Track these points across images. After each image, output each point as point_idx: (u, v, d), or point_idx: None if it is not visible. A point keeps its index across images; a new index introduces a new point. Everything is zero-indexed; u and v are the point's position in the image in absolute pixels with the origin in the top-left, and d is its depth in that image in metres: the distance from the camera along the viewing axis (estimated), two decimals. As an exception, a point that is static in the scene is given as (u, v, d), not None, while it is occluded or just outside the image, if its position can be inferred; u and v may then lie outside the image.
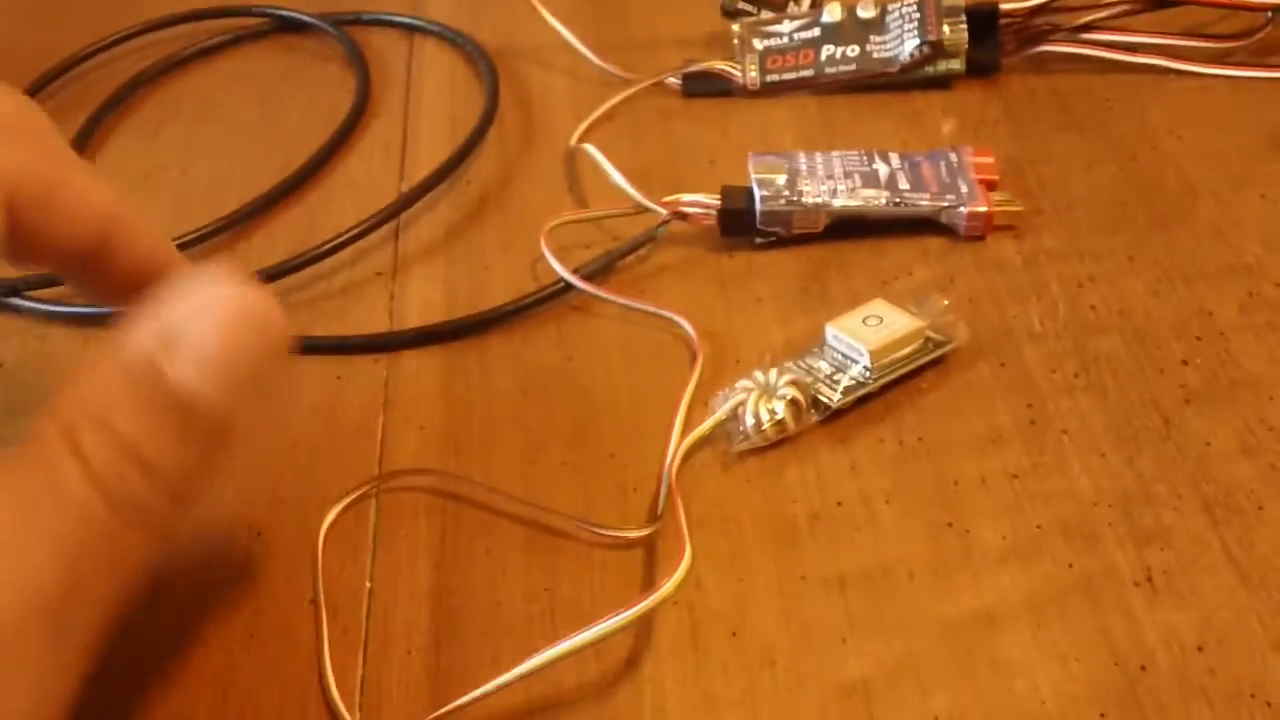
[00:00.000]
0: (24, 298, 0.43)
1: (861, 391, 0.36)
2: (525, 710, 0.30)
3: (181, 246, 0.44)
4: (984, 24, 0.46)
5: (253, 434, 0.27)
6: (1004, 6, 0.46)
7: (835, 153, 0.42)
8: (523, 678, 0.29)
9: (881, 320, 0.36)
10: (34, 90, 0.54)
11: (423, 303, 0.42)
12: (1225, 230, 0.40)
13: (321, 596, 0.33)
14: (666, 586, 0.29)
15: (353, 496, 0.35)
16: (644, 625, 0.31)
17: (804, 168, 0.41)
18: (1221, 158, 0.43)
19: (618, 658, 0.31)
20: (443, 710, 0.29)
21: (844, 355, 0.36)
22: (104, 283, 0.31)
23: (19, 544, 0.25)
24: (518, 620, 0.32)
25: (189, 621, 0.33)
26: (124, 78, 0.54)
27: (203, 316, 0.26)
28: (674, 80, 0.49)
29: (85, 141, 0.51)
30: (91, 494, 0.25)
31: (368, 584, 0.33)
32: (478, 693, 0.29)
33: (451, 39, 0.54)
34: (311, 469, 0.36)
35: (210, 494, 0.27)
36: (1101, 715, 0.29)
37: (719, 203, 0.41)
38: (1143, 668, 0.29)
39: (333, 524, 0.34)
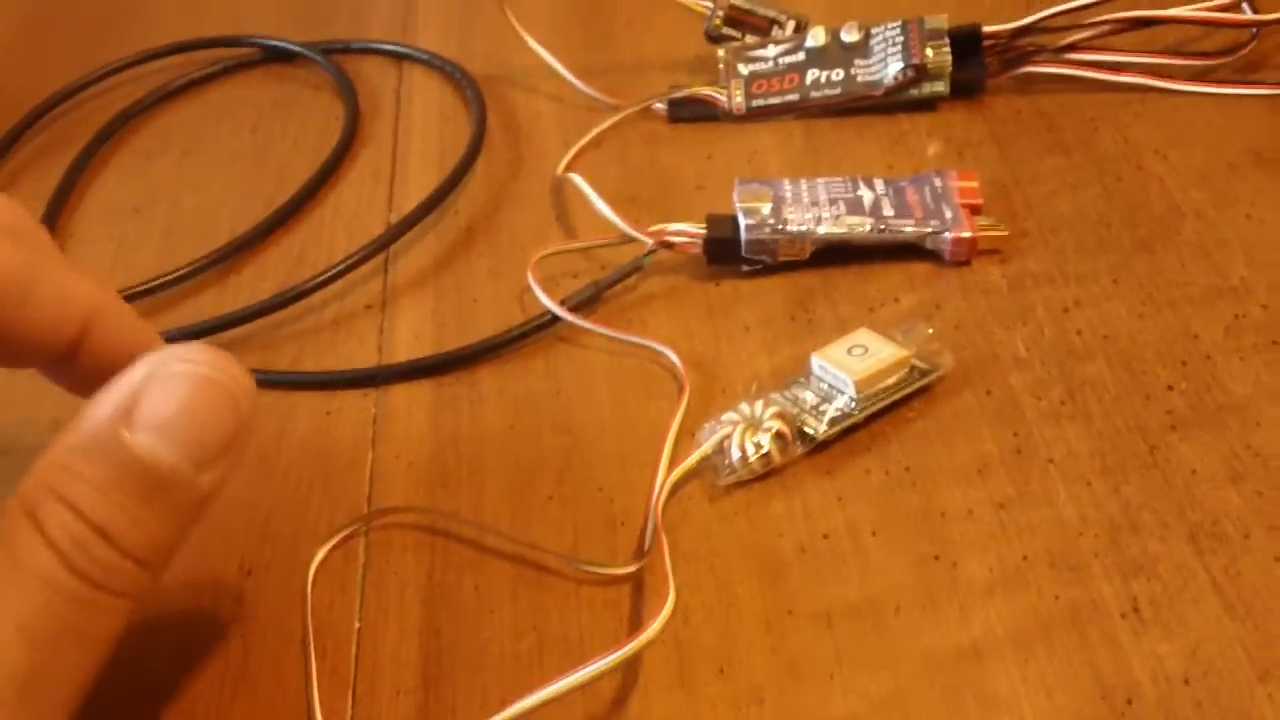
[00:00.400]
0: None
1: (847, 423, 0.36)
2: (513, 752, 0.30)
3: (172, 282, 0.44)
4: (967, 46, 0.46)
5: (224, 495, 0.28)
6: (987, 28, 0.46)
7: (820, 179, 0.42)
8: (510, 720, 0.29)
9: (867, 350, 0.36)
10: (24, 126, 0.54)
11: (411, 335, 0.42)
12: (1210, 250, 0.40)
13: (311, 636, 0.33)
14: (651, 629, 0.30)
15: (342, 535, 0.35)
16: (631, 665, 0.31)
17: (789, 195, 0.42)
18: (1206, 176, 0.43)
19: (605, 699, 0.31)
20: (431, 754, 0.30)
21: (830, 385, 0.36)
22: (81, 374, 0.31)
23: None
24: (506, 659, 0.32)
25: (179, 662, 0.33)
26: (114, 110, 0.54)
27: (162, 382, 0.27)
28: (660, 106, 0.49)
29: (76, 176, 0.51)
30: (53, 566, 0.25)
31: (356, 623, 0.33)
32: (465, 736, 0.29)
33: (440, 67, 0.54)
34: (301, 505, 0.37)
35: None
36: (1088, 749, 0.29)
37: (704, 232, 0.41)
38: (1129, 701, 0.29)
39: (322, 562, 0.35)
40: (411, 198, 0.47)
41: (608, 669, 0.29)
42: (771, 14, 0.49)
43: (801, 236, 0.40)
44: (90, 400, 0.27)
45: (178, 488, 0.27)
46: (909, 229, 0.40)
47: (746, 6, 0.49)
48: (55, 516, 0.25)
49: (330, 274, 0.43)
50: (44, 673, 0.25)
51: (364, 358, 0.41)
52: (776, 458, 0.35)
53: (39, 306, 0.29)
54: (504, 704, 0.29)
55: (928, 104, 0.47)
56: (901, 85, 0.46)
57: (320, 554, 0.35)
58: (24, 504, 0.26)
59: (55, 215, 0.49)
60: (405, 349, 0.41)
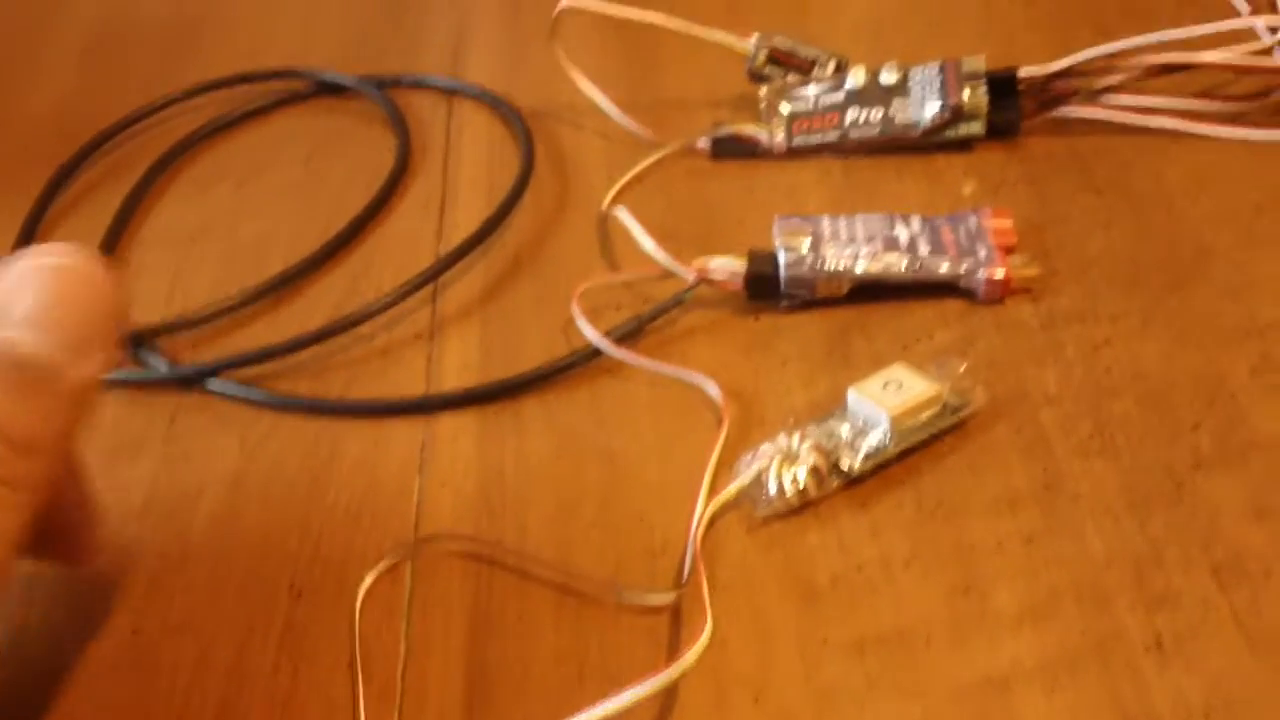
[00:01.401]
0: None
1: (881, 457, 0.37)
2: (554, 772, 0.31)
3: (225, 311, 0.46)
4: (1004, 88, 0.47)
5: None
6: (1023, 71, 0.47)
7: (858, 216, 0.43)
8: (551, 742, 0.30)
9: (901, 385, 0.38)
10: (85, 154, 0.56)
11: (459, 364, 0.43)
12: (1239, 291, 0.41)
13: (359, 659, 0.34)
14: (687, 658, 0.31)
15: (389, 561, 0.37)
16: (669, 691, 0.32)
17: (827, 232, 0.43)
18: (1236, 218, 0.44)
19: (643, 724, 0.32)
20: (475, 773, 0.31)
21: (865, 420, 0.37)
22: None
23: None
24: (548, 683, 0.33)
25: (230, 681, 0.34)
26: (173, 140, 0.56)
27: (20, 278, 0.28)
28: (703, 143, 0.50)
29: (135, 203, 0.53)
30: None
31: (403, 647, 0.35)
32: (509, 756, 0.30)
33: (489, 101, 0.55)
34: (350, 530, 0.38)
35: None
36: (1111, 779, 0.30)
37: (745, 268, 0.42)
38: (1152, 732, 0.30)
39: (370, 588, 0.36)
40: (460, 229, 0.48)
41: (645, 696, 0.30)
42: (813, 54, 0.51)
43: (839, 275, 0.42)
44: None
45: (51, 376, 0.27)
46: (944, 268, 0.41)
47: (788, 47, 0.51)
48: None
49: (381, 305, 0.44)
50: None
51: (412, 386, 0.43)
52: (812, 492, 0.36)
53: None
54: (546, 727, 0.31)
55: (964, 144, 0.48)
56: (939, 125, 0.47)
57: (368, 580, 0.36)
58: None
59: (114, 242, 0.51)
60: (453, 378, 0.43)
